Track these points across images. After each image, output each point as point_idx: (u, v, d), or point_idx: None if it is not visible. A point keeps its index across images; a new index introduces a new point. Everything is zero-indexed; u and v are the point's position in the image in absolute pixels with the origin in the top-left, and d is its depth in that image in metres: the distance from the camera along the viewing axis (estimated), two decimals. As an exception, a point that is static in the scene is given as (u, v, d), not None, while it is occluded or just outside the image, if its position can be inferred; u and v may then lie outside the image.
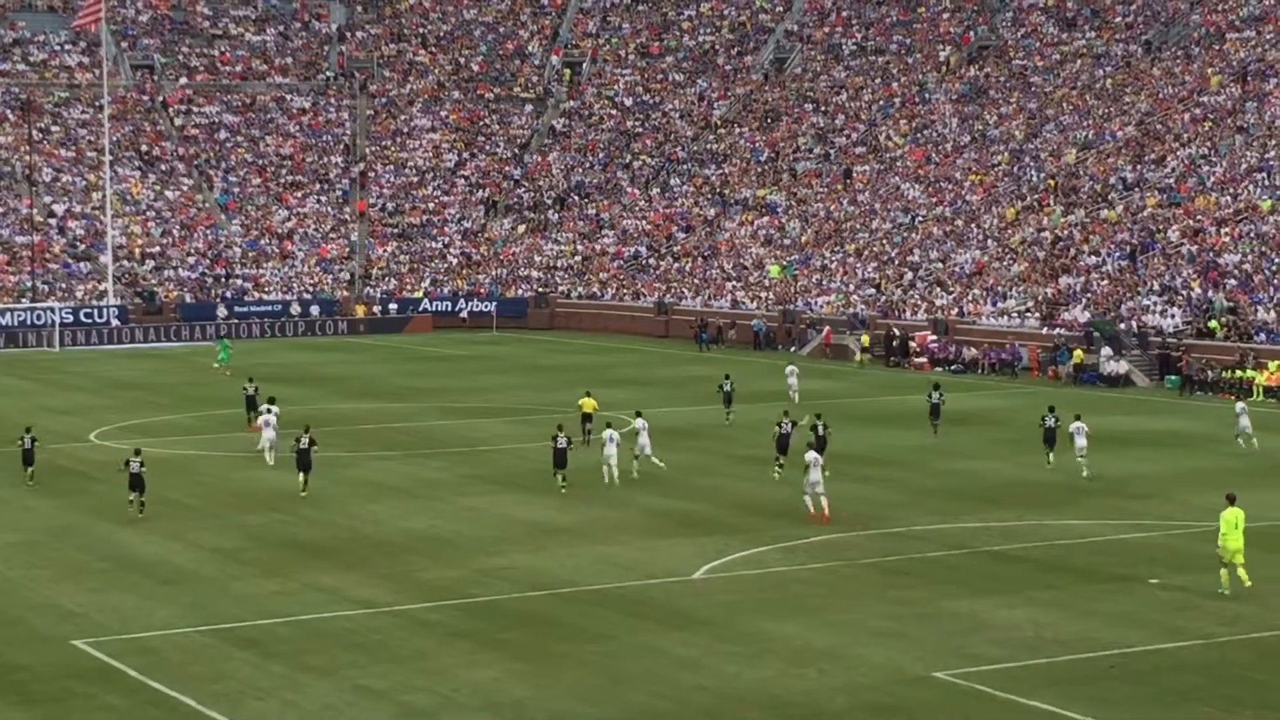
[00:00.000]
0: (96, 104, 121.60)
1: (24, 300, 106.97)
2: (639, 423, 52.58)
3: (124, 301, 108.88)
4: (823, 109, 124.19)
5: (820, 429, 51.91)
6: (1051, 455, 54.14)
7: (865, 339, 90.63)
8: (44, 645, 33.68)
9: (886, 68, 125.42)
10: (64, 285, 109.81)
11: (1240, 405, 58.84)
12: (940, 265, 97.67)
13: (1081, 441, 52.41)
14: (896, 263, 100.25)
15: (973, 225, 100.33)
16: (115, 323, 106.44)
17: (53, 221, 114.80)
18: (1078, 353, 79.80)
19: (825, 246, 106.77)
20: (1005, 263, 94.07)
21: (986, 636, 33.46)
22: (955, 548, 42.08)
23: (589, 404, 59.94)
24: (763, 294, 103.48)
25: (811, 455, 46.12)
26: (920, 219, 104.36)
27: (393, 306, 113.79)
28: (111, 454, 57.99)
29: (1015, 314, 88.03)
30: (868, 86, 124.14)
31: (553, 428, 51.91)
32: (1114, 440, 59.86)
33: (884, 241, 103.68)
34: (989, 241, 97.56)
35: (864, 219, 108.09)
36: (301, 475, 49.96)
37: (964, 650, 32.52)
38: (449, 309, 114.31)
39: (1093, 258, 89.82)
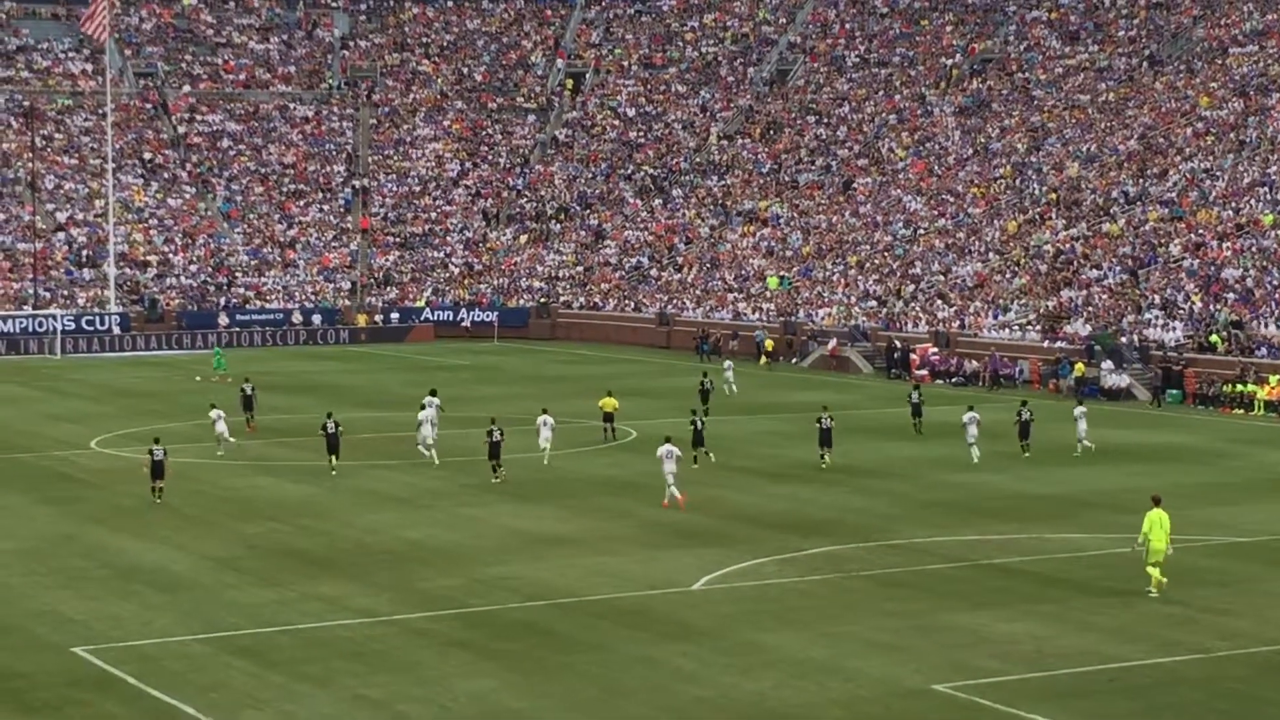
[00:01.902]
0: (100, 111, 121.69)
1: (26, 307, 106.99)
2: (665, 449, 50.97)
3: (125, 309, 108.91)
4: (825, 121, 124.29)
5: (699, 424, 57.11)
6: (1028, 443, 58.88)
7: (769, 343, 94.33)
8: (43, 652, 33.69)
9: (889, 80, 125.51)
10: (66, 292, 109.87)
11: (1079, 409, 60.26)
12: (942, 278, 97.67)
13: (974, 431, 57.63)
14: (898, 275, 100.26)
15: (974, 238, 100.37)
16: (117, 330, 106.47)
17: (59, 234, 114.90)
18: (1079, 366, 79.80)
19: (827, 258, 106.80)
20: (1007, 276, 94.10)
21: (986, 650, 33.45)
22: (955, 560, 42.07)
23: (609, 403, 62.32)
24: (764, 305, 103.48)
25: (666, 449, 49.10)
26: (922, 231, 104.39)
27: (394, 316, 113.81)
28: (112, 461, 58.04)
29: (1016, 327, 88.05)
30: (870, 99, 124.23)
31: (557, 439, 51.95)
32: (1114, 454, 59.88)
33: (885, 254, 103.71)
34: (990, 254, 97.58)
35: (866, 231, 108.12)
36: (331, 457, 54.89)
37: (963, 663, 32.51)
38: (450, 319, 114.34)
39: (1094, 271, 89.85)
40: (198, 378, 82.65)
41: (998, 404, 69.14)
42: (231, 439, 60.13)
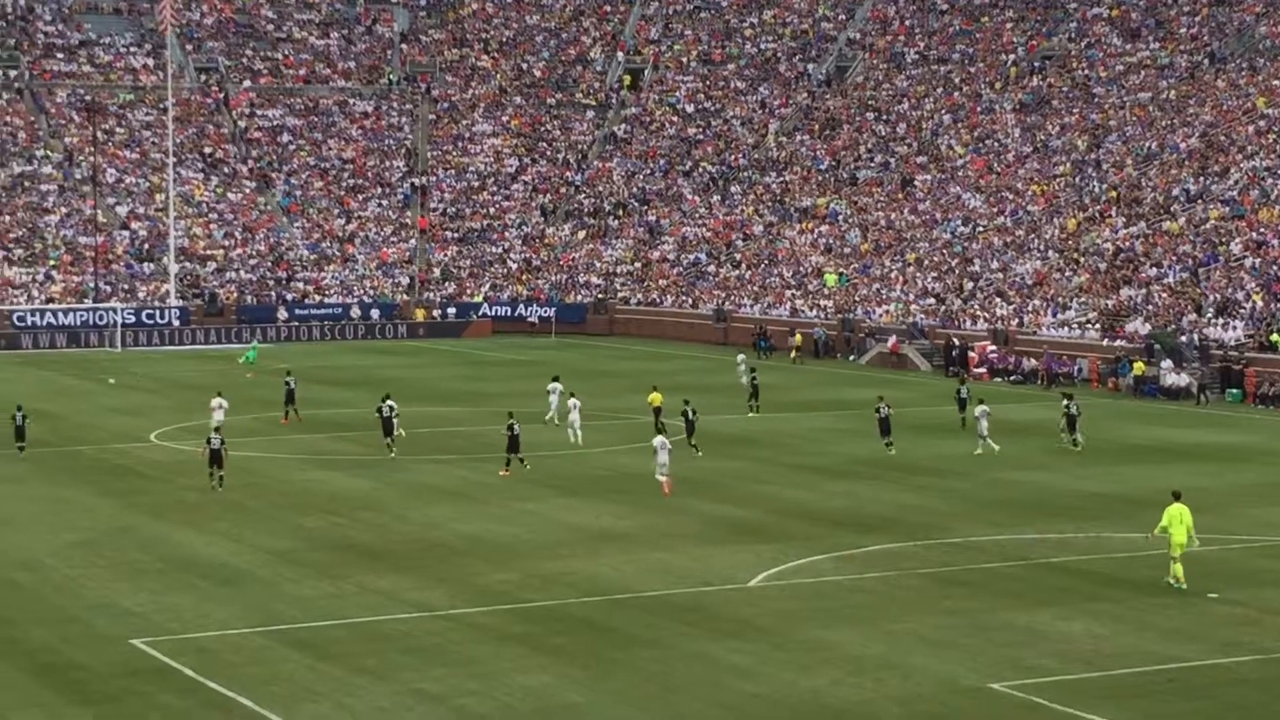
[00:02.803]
0: (161, 106, 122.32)
1: (87, 301, 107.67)
2: (659, 440, 52.08)
3: (185, 303, 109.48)
4: (884, 118, 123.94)
5: (690, 414, 58.35)
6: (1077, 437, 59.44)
7: (799, 337, 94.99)
8: (103, 644, 33.87)
9: (949, 77, 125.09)
10: (126, 286, 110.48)
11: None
12: (1000, 275, 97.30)
13: (985, 425, 58.77)
14: (956, 272, 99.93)
15: (1034, 236, 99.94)
16: (176, 324, 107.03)
17: (120, 228, 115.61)
18: (1138, 365, 79.36)
19: (885, 255, 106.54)
20: (1066, 274, 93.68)
21: (1043, 648, 33.29)
22: (1012, 559, 41.89)
23: (656, 398, 62.66)
24: (822, 302, 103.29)
25: (660, 440, 50.94)
26: (981, 229, 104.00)
27: (450, 311, 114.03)
28: (171, 454, 58.32)
29: (1076, 325, 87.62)
30: (929, 96, 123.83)
31: (613, 434, 52.07)
32: (1174, 453, 59.55)
33: (944, 251, 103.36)
34: (1050, 252, 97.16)
35: (924, 228, 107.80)
36: (387, 439, 57.12)
37: (1020, 662, 32.37)
38: (508, 314, 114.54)
39: (1154, 270, 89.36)
40: (249, 374, 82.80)
41: (1051, 401, 68.68)
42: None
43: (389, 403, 58.49)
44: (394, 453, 57.36)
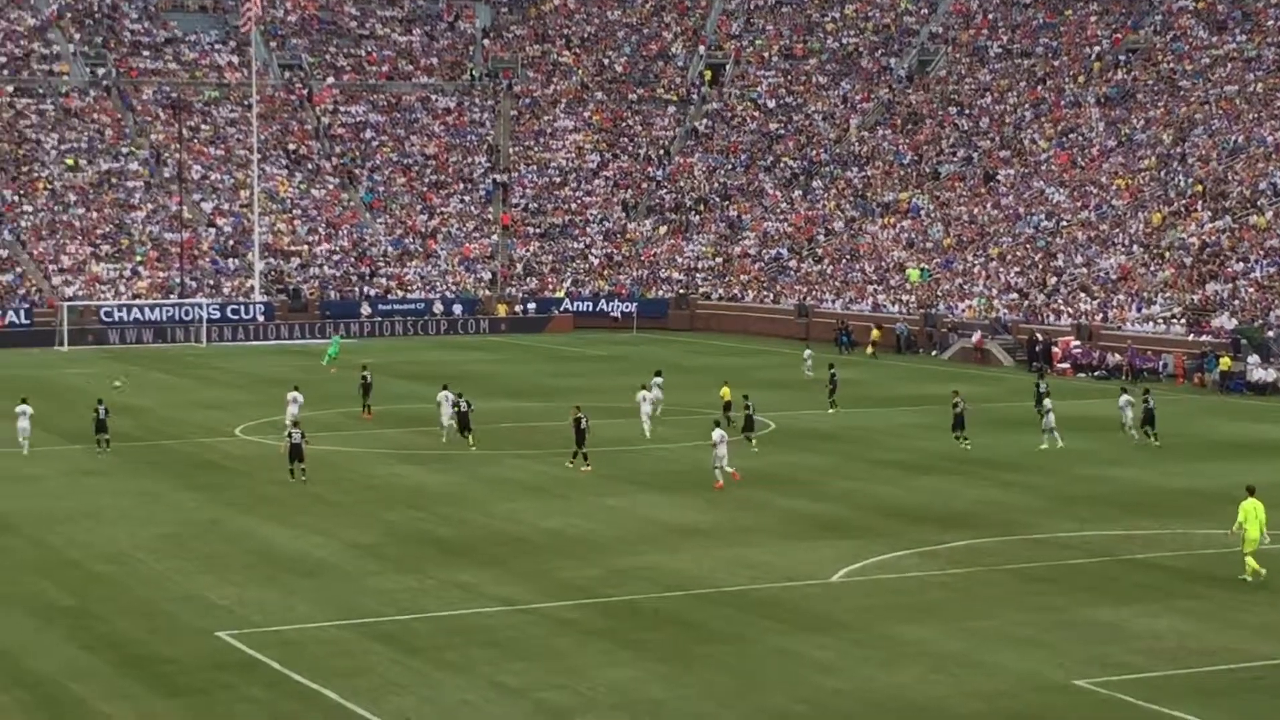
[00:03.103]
0: (245, 103, 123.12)
1: (172, 296, 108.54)
2: (718, 434, 51.97)
3: (270, 299, 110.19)
4: (967, 112, 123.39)
5: (749, 408, 58.96)
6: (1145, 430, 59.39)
7: (876, 332, 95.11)
8: (189, 637, 34.15)
9: (1032, 71, 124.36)
10: (212, 282, 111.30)
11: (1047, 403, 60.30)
12: (1084, 270, 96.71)
13: (1050, 419, 58.86)
14: (1040, 267, 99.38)
15: (1118, 230, 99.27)
16: (261, 319, 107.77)
17: (206, 224, 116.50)
18: (1224, 360, 78.71)
19: (968, 250, 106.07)
20: (1151, 269, 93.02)
21: (1128, 645, 33.10)
22: (1097, 555, 41.65)
23: (726, 393, 62.99)
24: (904, 297, 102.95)
25: (718, 433, 50.92)
26: (1064, 223, 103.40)
27: (532, 306, 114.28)
28: (256, 448, 58.71)
29: (1161, 320, 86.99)
30: (1013, 89, 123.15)
31: (694, 430, 52.11)
32: (1260, 449, 59.04)
33: (1027, 246, 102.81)
34: (1134, 247, 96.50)
35: (1007, 223, 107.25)
36: (467, 434, 58.43)
37: (1105, 659, 32.19)
38: (590, 309, 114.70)
39: (1241, 264, 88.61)
40: (333, 370, 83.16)
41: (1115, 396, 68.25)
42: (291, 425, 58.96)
43: (464, 399, 59.87)
44: (474, 447, 57.74)
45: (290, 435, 52.23)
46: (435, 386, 64.80)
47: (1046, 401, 60.47)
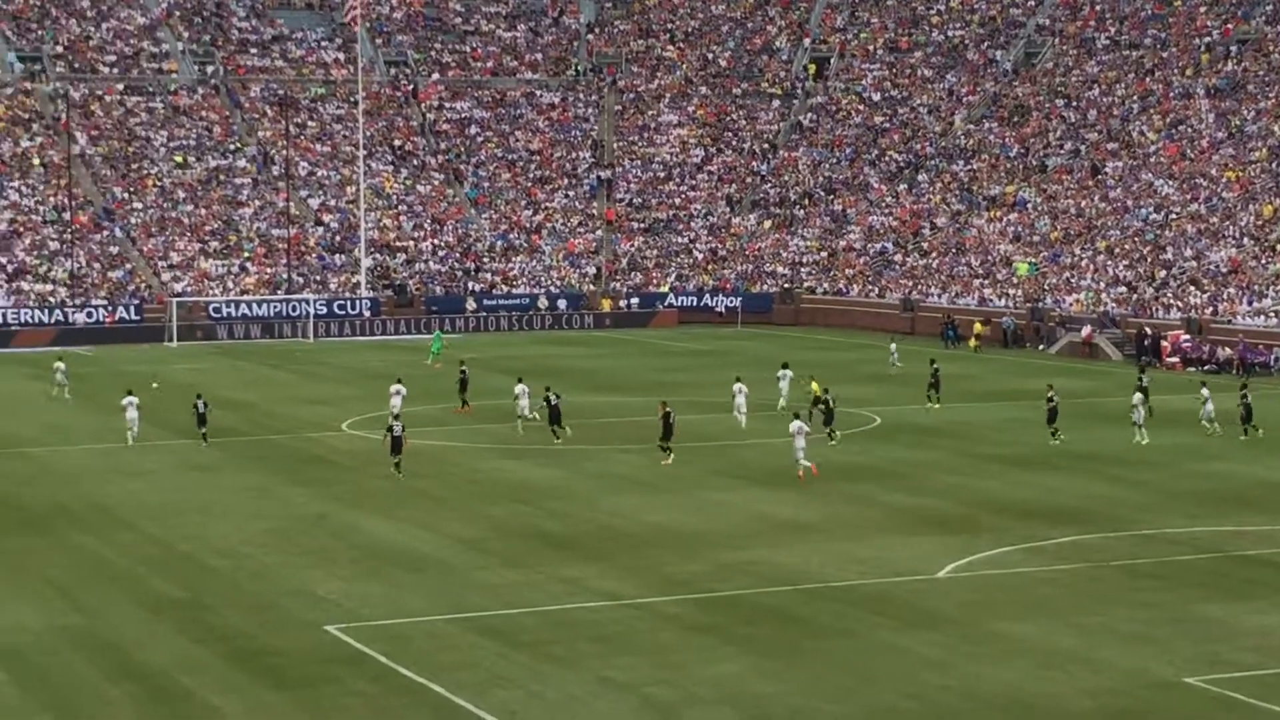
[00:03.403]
0: (351, 100, 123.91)
1: (280, 292, 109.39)
2: (796, 425, 52.29)
3: (376, 294, 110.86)
4: (1074, 104, 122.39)
5: (830, 402, 59.26)
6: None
7: (979, 327, 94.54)
8: (297, 630, 34.41)
9: (1140, 62, 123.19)
10: (319, 278, 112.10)
11: (1139, 397, 59.90)
12: (1194, 264, 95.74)
13: (1141, 413, 58.57)
14: (1148, 260, 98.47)
15: (1228, 222, 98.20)
16: (367, 315, 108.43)
17: (313, 221, 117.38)
18: (1337, 354, 77.75)
19: (1075, 244, 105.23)
20: (1263, 261, 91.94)
21: (1239, 643, 32.74)
22: (1207, 551, 41.23)
23: (816, 388, 62.65)
24: (1011, 291, 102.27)
25: (797, 425, 51.49)
26: (1174, 216, 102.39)
27: (634, 301, 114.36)
28: (363, 443, 59.07)
29: (1272, 313, 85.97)
30: (1121, 81, 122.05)
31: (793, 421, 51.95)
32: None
33: (1135, 239, 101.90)
34: (1245, 239, 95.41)
35: (1115, 216, 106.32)
36: (554, 427, 58.94)
37: (1215, 656, 31.85)
38: (694, 304, 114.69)
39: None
40: (437, 365, 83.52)
41: (1231, 391, 67.53)
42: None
43: (553, 391, 60.54)
44: (559, 440, 58.55)
45: (391, 429, 52.60)
46: (541, 381, 65.01)
47: (1136, 396, 59.77)
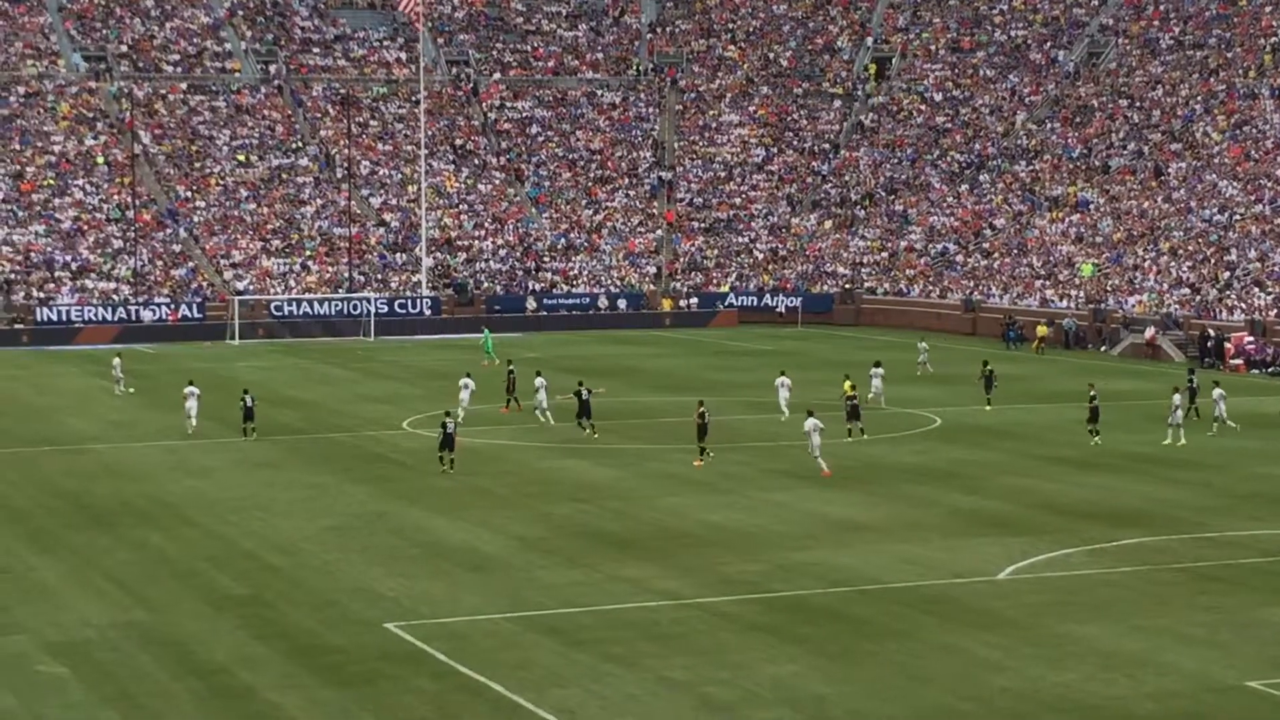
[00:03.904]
0: (413, 99, 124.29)
1: (341, 290, 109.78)
2: (811, 423, 52.69)
3: (437, 293, 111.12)
4: (1137, 104, 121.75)
5: (855, 400, 59.89)
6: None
7: (1042, 329, 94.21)
8: (358, 627, 34.54)
9: (1204, 62, 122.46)
10: (380, 276, 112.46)
11: (1177, 397, 59.38)
12: (1258, 265, 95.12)
13: (1178, 416, 58.40)
14: (1212, 262, 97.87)
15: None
16: (428, 314, 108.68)
17: (375, 220, 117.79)
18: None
19: (1138, 244, 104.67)
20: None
21: (1303, 647, 32.56)
22: (1271, 555, 40.97)
23: (848, 387, 62.65)
24: (1072, 292, 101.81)
25: (811, 423, 52.08)
26: (1238, 217, 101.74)
27: (694, 301, 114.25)
28: (424, 441, 59.22)
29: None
30: (1184, 82, 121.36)
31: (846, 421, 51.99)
32: None
33: (1199, 240, 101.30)
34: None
35: (1178, 217, 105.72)
36: (581, 420, 60.21)
37: (1279, 660, 31.62)
38: (754, 304, 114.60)
39: None
40: (489, 363, 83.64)
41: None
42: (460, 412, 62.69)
43: (584, 386, 61.68)
44: (588, 432, 59.75)
45: (445, 426, 53.00)
46: (601, 381, 65.14)
47: (1176, 397, 59.27)
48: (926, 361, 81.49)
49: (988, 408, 67.06)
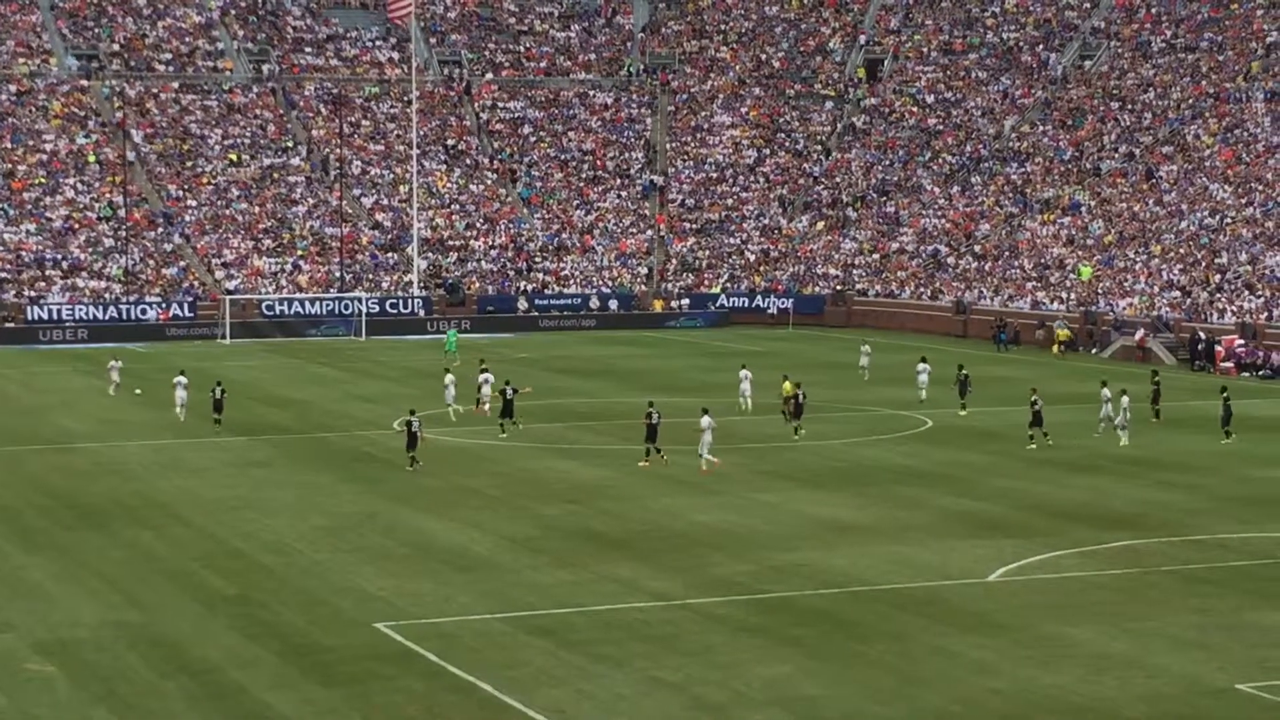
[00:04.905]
0: (405, 99, 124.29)
1: (332, 290, 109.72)
2: (706, 420, 53.24)
3: (428, 293, 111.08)
4: (1129, 107, 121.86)
5: (800, 397, 60.26)
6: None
7: (1062, 333, 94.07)
8: (348, 627, 34.53)
9: (1196, 66, 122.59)
10: (371, 276, 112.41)
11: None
12: (1249, 268, 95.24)
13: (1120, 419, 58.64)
14: (1203, 265, 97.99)
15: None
16: (420, 313, 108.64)
17: (365, 219, 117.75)
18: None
19: (1129, 247, 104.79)
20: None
21: (1293, 650, 32.61)
22: (1261, 557, 41.02)
23: (788, 388, 63.27)
24: (1064, 294, 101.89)
25: (706, 420, 53.01)
26: (1229, 220, 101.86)
27: (685, 302, 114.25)
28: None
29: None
30: (1176, 85, 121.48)
31: (851, 426, 51.96)
32: None
33: (1190, 243, 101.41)
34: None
35: (1169, 220, 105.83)
36: (503, 421, 60.63)
37: (1269, 663, 31.70)
38: (746, 305, 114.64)
39: None
40: (455, 363, 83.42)
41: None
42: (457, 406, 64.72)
43: (510, 385, 62.32)
44: (505, 434, 60.26)
45: (409, 424, 53.69)
46: (592, 381, 65.16)
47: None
48: (868, 366, 79.40)
49: (962, 412, 66.64)
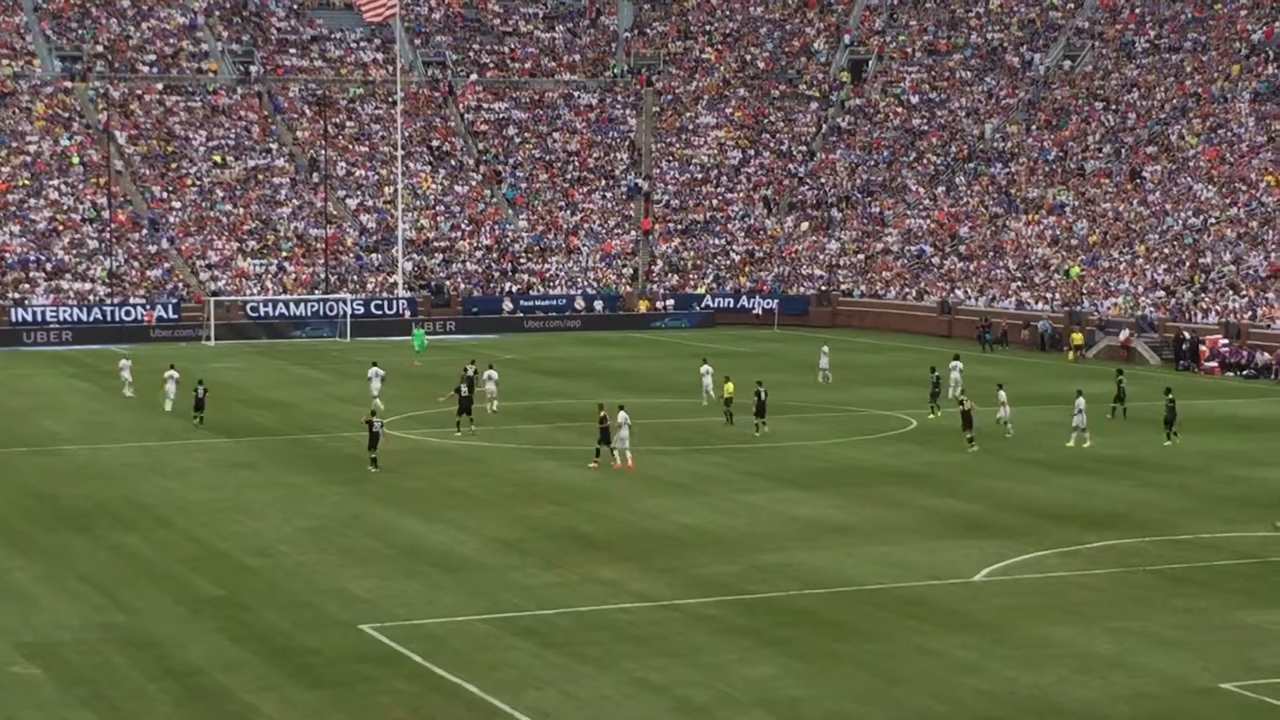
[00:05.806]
0: (390, 100, 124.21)
1: (317, 291, 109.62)
2: (622, 416, 53.96)
3: (413, 294, 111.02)
4: (1113, 108, 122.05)
5: (762, 394, 60.77)
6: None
7: (1077, 337, 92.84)
8: (333, 629, 34.52)
9: (1180, 66, 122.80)
10: (356, 277, 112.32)
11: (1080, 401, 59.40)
12: (1233, 268, 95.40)
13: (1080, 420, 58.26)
14: (1187, 265, 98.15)
15: (1268, 227, 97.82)
16: (405, 315, 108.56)
17: (350, 220, 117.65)
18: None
19: (1113, 247, 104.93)
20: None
21: (1276, 649, 32.64)
22: (1245, 557, 41.10)
23: (730, 388, 64.39)
24: (1048, 294, 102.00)
25: (623, 416, 53.71)
26: (1213, 220, 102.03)
27: (670, 303, 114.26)
28: (400, 443, 59.15)
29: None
30: (1160, 85, 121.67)
31: (835, 426, 51.98)
32: None
33: (1174, 243, 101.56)
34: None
35: (1154, 220, 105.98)
36: (464, 416, 61.31)
37: (1253, 663, 31.76)
38: (731, 305, 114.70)
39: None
40: (416, 363, 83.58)
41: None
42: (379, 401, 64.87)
43: (465, 381, 64.14)
44: (474, 429, 61.13)
45: (370, 424, 53.86)
46: (576, 382, 65.13)
47: (1080, 400, 58.91)
48: (828, 369, 77.82)
49: (930, 416, 66.37)
